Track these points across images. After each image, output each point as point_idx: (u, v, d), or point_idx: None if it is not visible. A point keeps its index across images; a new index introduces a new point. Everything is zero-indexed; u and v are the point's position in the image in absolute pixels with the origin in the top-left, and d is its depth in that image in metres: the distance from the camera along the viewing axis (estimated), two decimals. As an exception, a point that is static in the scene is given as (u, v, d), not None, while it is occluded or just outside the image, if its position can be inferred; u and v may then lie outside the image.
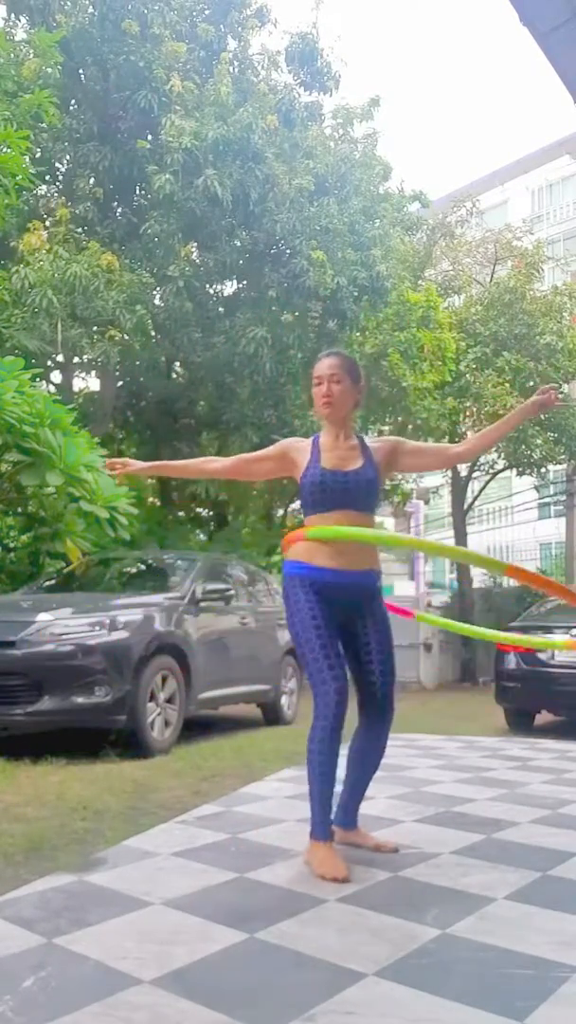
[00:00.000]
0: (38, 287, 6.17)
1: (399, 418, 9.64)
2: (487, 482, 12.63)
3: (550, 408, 2.02)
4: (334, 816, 1.97)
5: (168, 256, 6.92)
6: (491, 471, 12.29)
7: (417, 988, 1.29)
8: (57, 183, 8.00)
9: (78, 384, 8.80)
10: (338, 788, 2.01)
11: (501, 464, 12.04)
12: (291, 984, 1.31)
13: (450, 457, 2.21)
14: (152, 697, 3.77)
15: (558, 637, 5.39)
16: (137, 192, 7.72)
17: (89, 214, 7.15)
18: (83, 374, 8.78)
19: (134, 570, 5.19)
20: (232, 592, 4.81)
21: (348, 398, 2.03)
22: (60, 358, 7.56)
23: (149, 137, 7.17)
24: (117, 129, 7.49)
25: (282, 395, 7.73)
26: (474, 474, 12.39)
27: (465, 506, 12.39)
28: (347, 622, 1.98)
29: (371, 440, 2.11)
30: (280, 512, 10.31)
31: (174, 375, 8.74)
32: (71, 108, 7.58)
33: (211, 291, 8.15)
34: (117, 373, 7.92)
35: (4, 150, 5.16)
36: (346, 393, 2.03)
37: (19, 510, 5.73)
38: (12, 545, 6.33)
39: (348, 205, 7.75)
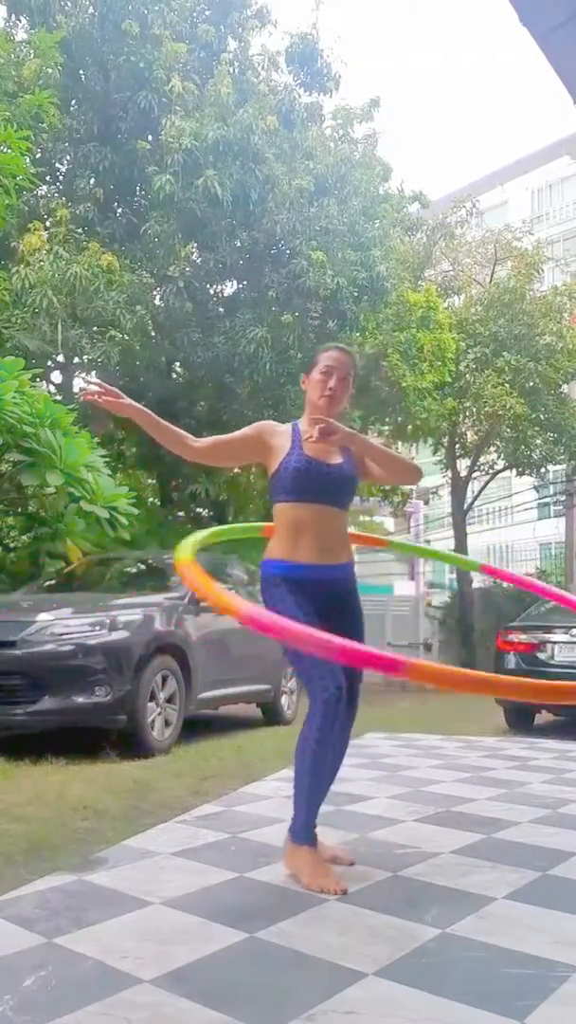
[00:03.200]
0: (38, 287, 6.17)
1: (399, 419, 9.64)
2: (487, 482, 12.63)
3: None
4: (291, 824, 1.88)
5: (168, 256, 6.92)
6: (491, 471, 12.30)
7: (417, 988, 1.29)
8: (57, 183, 8.01)
9: (78, 384, 8.81)
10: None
11: (501, 464, 12.05)
12: (291, 984, 1.31)
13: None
14: (152, 697, 3.77)
15: (557, 637, 5.39)
16: (137, 192, 7.73)
17: (89, 214, 7.16)
18: (83, 374, 8.78)
19: (134, 570, 5.19)
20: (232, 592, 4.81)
21: (346, 397, 2.00)
22: (60, 358, 7.57)
23: (149, 138, 7.18)
24: (117, 129, 7.50)
25: (282, 395, 7.73)
26: (474, 474, 12.40)
27: (465, 506, 12.39)
28: (323, 616, 1.88)
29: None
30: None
31: (174, 375, 8.74)
32: (71, 109, 7.59)
33: (211, 291, 8.15)
34: (117, 373, 7.92)
35: (5, 150, 5.17)
36: (346, 393, 2.00)
37: (19, 510, 5.74)
38: (12, 545, 6.33)
39: (348, 206, 7.76)
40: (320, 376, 1.96)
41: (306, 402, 2.00)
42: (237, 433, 2.03)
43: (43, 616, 3.69)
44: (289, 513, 1.91)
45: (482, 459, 12.11)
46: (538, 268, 11.19)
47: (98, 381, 1.92)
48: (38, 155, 7.03)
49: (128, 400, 1.91)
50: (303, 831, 1.82)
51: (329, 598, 1.92)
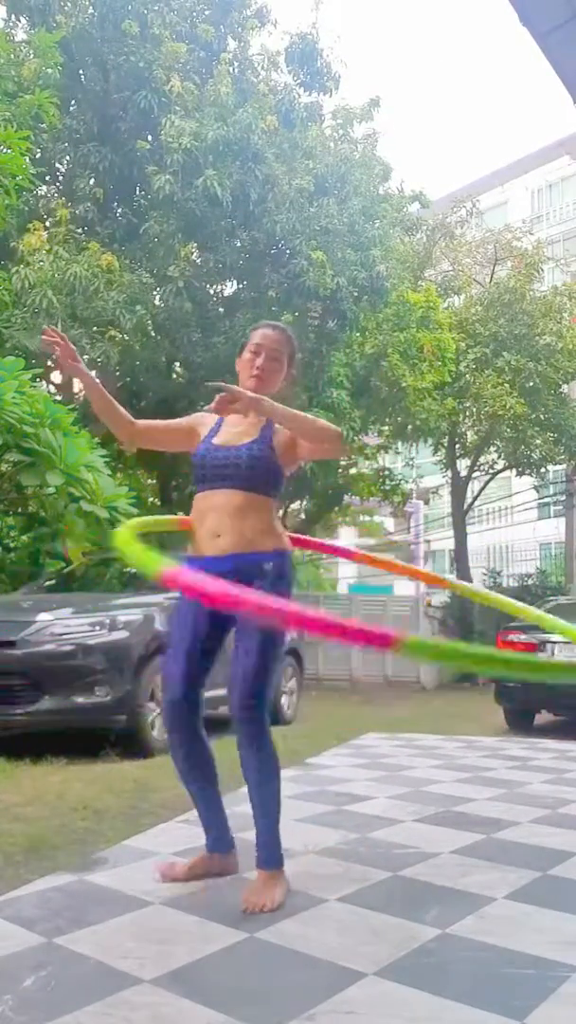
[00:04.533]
0: (38, 287, 6.18)
1: (399, 419, 9.64)
2: (487, 482, 12.64)
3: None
4: (214, 841, 1.84)
5: (168, 256, 6.92)
6: (491, 471, 12.30)
7: (417, 987, 1.29)
8: (57, 183, 8.01)
9: (78, 384, 8.81)
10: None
11: (501, 464, 12.05)
12: (291, 983, 1.31)
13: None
14: (152, 697, 3.77)
15: (557, 637, 5.39)
16: (137, 192, 7.73)
17: (89, 214, 7.16)
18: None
19: (134, 570, 5.19)
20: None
21: (278, 378, 1.87)
22: (60, 358, 7.56)
23: (149, 137, 7.18)
24: (117, 129, 7.49)
25: (282, 395, 7.74)
26: (474, 474, 12.40)
27: (465, 506, 12.39)
28: (218, 611, 1.71)
29: None
30: (279, 512, 10.31)
31: (174, 375, 8.74)
32: (71, 109, 7.59)
33: (211, 291, 8.15)
34: (117, 373, 7.92)
35: (4, 151, 5.17)
36: (278, 373, 1.86)
37: (19, 510, 5.74)
38: (12, 545, 6.33)
39: (348, 205, 7.76)
40: (248, 355, 1.85)
41: (239, 383, 1.86)
42: (174, 420, 1.98)
43: (43, 616, 3.70)
44: (196, 503, 1.81)
45: (482, 459, 12.11)
46: (538, 268, 11.19)
47: (59, 332, 1.78)
48: (38, 155, 7.02)
49: (82, 366, 1.83)
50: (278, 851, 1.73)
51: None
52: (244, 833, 1.92)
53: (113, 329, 6.57)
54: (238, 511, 1.75)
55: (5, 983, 1.28)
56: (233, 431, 1.83)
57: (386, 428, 10.43)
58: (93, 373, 9.35)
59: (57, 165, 7.85)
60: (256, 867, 1.72)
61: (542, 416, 10.71)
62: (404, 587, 15.75)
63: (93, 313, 6.45)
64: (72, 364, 1.79)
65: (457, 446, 11.96)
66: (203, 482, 1.81)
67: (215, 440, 1.83)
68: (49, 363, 7.54)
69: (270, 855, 1.72)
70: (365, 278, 7.56)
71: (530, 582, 12.13)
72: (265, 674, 1.73)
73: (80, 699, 3.53)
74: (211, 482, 1.79)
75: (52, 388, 7.87)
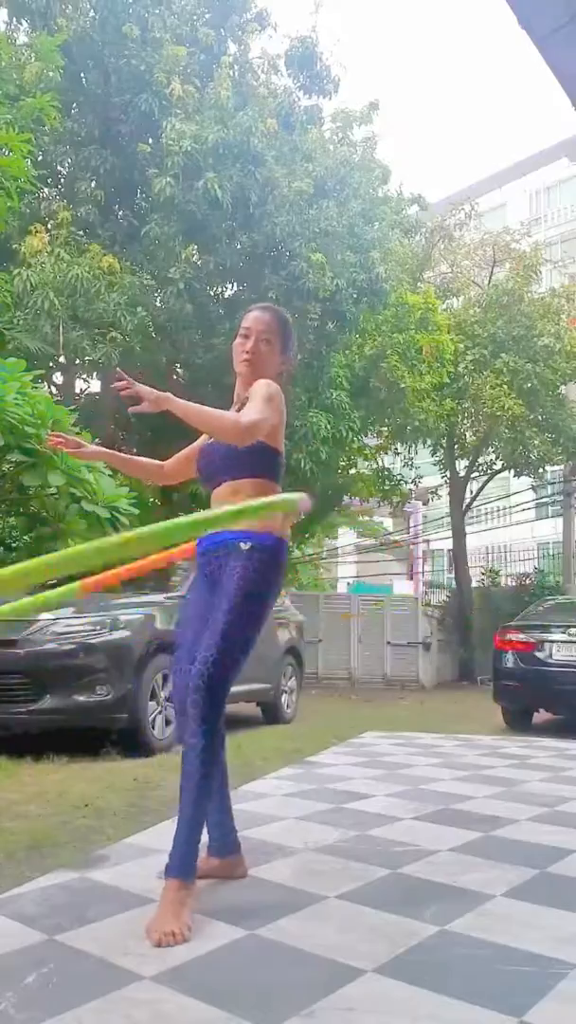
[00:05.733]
0: (40, 289, 6.19)
1: (398, 419, 9.66)
2: (485, 482, 12.65)
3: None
4: (217, 843, 1.78)
5: (169, 258, 6.94)
6: (489, 472, 12.32)
7: (416, 985, 1.30)
8: (59, 186, 8.03)
9: (79, 385, 8.82)
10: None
11: (499, 465, 12.07)
12: (291, 981, 1.32)
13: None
14: (153, 696, 3.78)
15: (555, 636, 5.41)
16: (138, 195, 7.75)
17: (90, 217, 7.18)
18: (84, 375, 8.80)
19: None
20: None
21: (271, 362, 1.79)
22: (62, 360, 7.58)
23: (150, 140, 7.20)
24: (118, 132, 7.52)
25: (283, 395, 7.75)
26: (472, 475, 12.42)
27: (463, 506, 12.41)
28: (213, 592, 1.70)
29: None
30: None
31: (175, 376, 8.76)
32: (72, 111, 7.61)
33: (211, 293, 8.17)
34: (117, 375, 7.93)
35: (6, 153, 5.18)
36: (270, 355, 1.79)
37: (21, 510, 5.74)
38: (14, 545, 6.34)
39: (347, 208, 7.78)
40: (239, 339, 1.79)
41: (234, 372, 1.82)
42: (191, 445, 1.93)
43: (44, 616, 3.71)
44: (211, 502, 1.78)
45: (480, 460, 12.13)
46: (536, 270, 11.22)
47: (65, 436, 1.86)
48: (39, 158, 7.05)
49: (87, 448, 1.88)
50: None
51: (210, 571, 1.74)
52: (244, 832, 1.93)
53: (114, 331, 6.59)
54: (231, 495, 1.72)
55: (6, 980, 1.29)
56: None
57: (385, 429, 10.45)
58: (94, 376, 9.36)
59: (58, 168, 7.88)
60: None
61: (540, 417, 10.74)
62: (403, 587, 15.76)
63: (94, 315, 6.47)
64: (86, 452, 1.88)
65: (456, 447, 11.98)
66: (206, 482, 1.83)
67: (212, 440, 1.82)
68: (51, 364, 7.57)
69: (173, 859, 1.55)
70: (364, 280, 7.59)
71: (528, 582, 12.14)
72: (230, 651, 1.61)
73: (81, 698, 3.54)
74: (209, 481, 1.81)
75: (53, 389, 7.88)
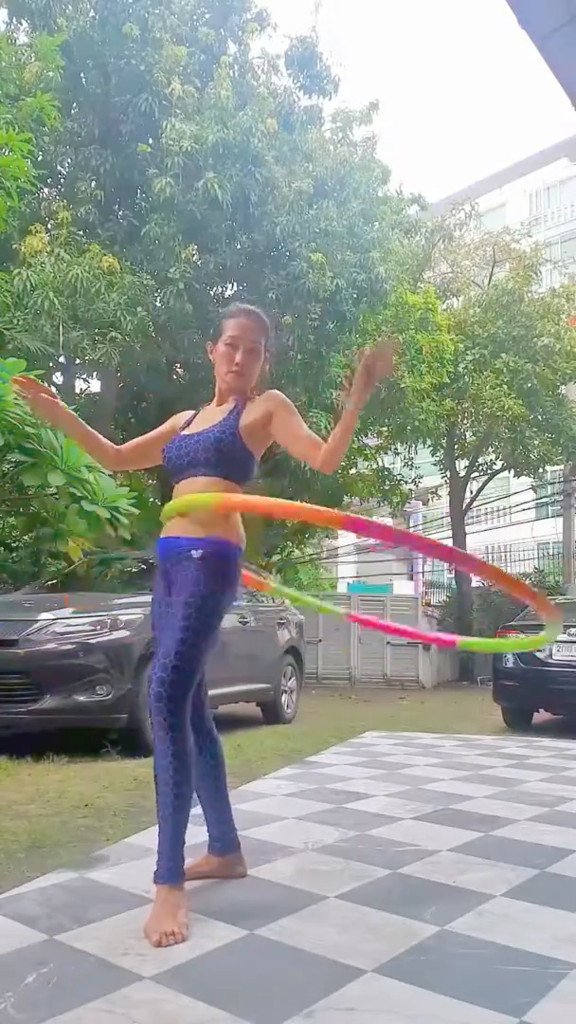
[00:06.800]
0: (40, 289, 6.19)
1: (398, 419, 9.66)
2: (485, 482, 12.66)
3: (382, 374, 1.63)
4: (217, 843, 1.79)
5: (168, 259, 6.94)
6: (489, 472, 12.33)
7: (416, 984, 1.30)
8: (59, 186, 8.03)
9: (80, 385, 8.82)
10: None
11: (499, 465, 12.07)
12: (291, 980, 1.32)
13: (312, 462, 1.75)
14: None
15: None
16: (138, 195, 7.75)
17: (90, 217, 7.18)
18: (84, 375, 8.80)
19: (135, 570, 5.20)
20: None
21: (257, 368, 1.78)
22: (62, 359, 7.58)
23: (150, 140, 7.20)
24: (118, 132, 7.52)
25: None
26: (472, 475, 12.43)
27: (463, 506, 12.41)
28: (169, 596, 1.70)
29: (260, 397, 1.79)
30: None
31: (175, 376, 8.76)
32: (72, 111, 7.61)
33: (211, 293, 8.17)
34: (118, 374, 7.94)
35: (6, 153, 5.18)
36: (257, 363, 1.78)
37: (21, 510, 5.74)
38: (14, 545, 6.34)
39: (347, 208, 7.78)
40: (225, 349, 1.76)
41: (215, 374, 1.80)
42: (155, 430, 1.90)
43: (44, 615, 3.71)
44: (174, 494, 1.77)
45: (480, 460, 12.14)
46: (536, 270, 11.22)
47: (31, 378, 1.77)
48: (39, 158, 7.04)
49: (61, 405, 1.79)
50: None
51: (168, 571, 1.72)
52: (244, 832, 1.94)
53: (114, 331, 6.59)
54: (205, 489, 1.69)
55: (7, 980, 1.29)
56: (202, 422, 1.79)
57: (385, 429, 10.45)
58: (94, 375, 9.33)
59: (58, 168, 7.88)
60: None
61: (540, 417, 10.74)
62: (403, 587, 15.76)
63: (94, 315, 6.47)
64: (51, 403, 1.77)
65: (456, 447, 11.99)
66: (174, 474, 1.77)
67: (185, 432, 1.80)
68: (51, 364, 7.57)
69: (160, 867, 1.55)
70: (364, 280, 7.59)
71: (528, 582, 12.14)
72: (186, 656, 1.59)
73: (81, 698, 3.55)
74: (179, 473, 1.75)
75: (53, 389, 7.87)
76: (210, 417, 1.79)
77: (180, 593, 1.65)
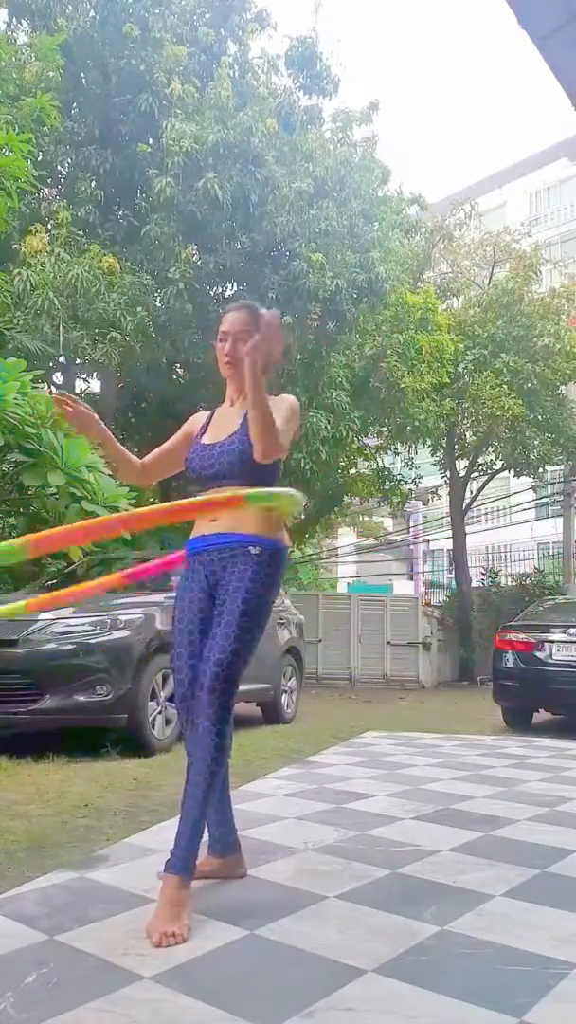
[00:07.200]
0: (40, 289, 6.20)
1: (398, 419, 9.66)
2: (485, 482, 12.66)
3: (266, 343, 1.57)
4: (218, 843, 1.80)
5: (169, 258, 6.94)
6: (489, 472, 12.33)
7: (416, 984, 1.30)
8: (59, 186, 8.04)
9: (80, 385, 8.82)
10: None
11: (499, 465, 12.07)
12: (290, 980, 1.32)
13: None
14: (153, 696, 3.78)
15: (555, 636, 5.41)
16: (138, 195, 7.76)
17: (90, 217, 7.18)
18: (84, 375, 8.80)
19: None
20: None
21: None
22: (62, 359, 7.59)
23: (150, 140, 7.21)
24: (118, 132, 7.52)
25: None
26: (472, 475, 12.42)
27: (463, 506, 12.41)
28: (213, 591, 1.72)
29: (272, 400, 1.75)
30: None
31: (175, 376, 8.76)
32: (72, 111, 7.62)
33: (211, 293, 8.17)
34: (118, 374, 7.94)
35: (7, 153, 5.19)
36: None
37: (21, 510, 5.75)
38: (13, 545, 6.31)
39: (347, 208, 7.79)
40: (219, 344, 1.82)
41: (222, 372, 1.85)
42: (171, 439, 1.90)
43: (44, 615, 3.71)
44: None
45: (480, 460, 12.14)
46: (536, 270, 11.22)
47: (72, 397, 1.77)
48: (39, 158, 7.05)
49: (99, 424, 1.77)
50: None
51: (212, 570, 1.73)
52: (244, 832, 1.94)
53: (114, 331, 6.59)
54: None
55: (7, 980, 1.29)
56: (218, 427, 1.80)
57: (385, 429, 10.44)
58: (94, 375, 9.34)
59: (58, 168, 7.89)
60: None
61: (540, 417, 10.74)
62: (403, 587, 15.77)
63: (94, 315, 6.47)
64: (88, 417, 1.75)
65: (456, 447, 11.99)
66: (200, 484, 1.79)
67: (204, 440, 1.81)
68: (51, 364, 7.57)
69: (175, 856, 1.56)
70: (364, 280, 7.59)
71: (528, 582, 12.14)
72: (241, 652, 1.65)
73: (81, 698, 3.55)
74: (205, 483, 1.76)
75: (53, 389, 7.89)
76: (226, 420, 1.81)
77: (234, 590, 1.67)
